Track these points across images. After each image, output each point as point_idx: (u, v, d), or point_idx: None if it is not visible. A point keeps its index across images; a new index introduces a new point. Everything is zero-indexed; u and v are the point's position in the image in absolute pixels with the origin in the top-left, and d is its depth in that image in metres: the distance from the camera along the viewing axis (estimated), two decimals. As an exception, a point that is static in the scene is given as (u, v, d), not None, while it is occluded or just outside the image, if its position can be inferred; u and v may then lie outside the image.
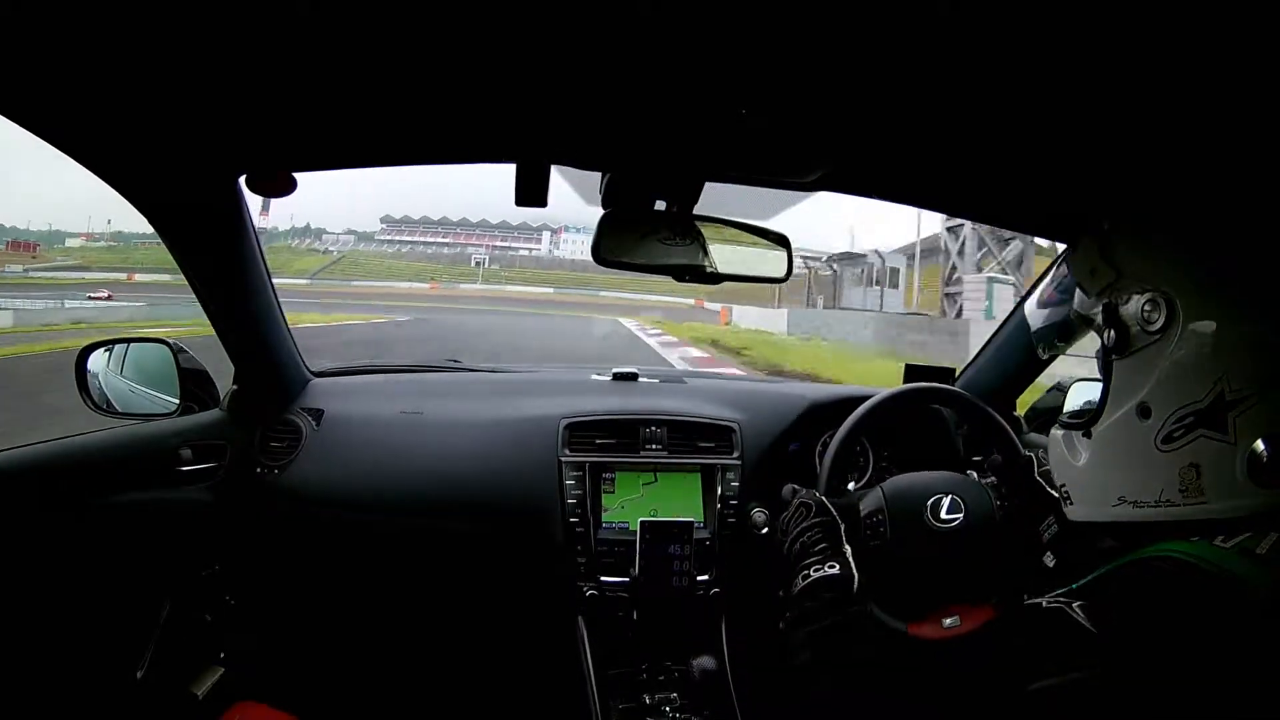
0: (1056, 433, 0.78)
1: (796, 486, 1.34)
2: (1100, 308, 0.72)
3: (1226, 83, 0.63)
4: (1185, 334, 0.65)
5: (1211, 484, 0.62)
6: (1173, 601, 0.60)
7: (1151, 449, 0.65)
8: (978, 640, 1.04)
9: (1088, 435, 0.73)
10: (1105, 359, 0.72)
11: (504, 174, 1.02)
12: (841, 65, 0.66)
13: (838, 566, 0.93)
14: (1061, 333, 0.89)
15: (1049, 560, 1.04)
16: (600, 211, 1.00)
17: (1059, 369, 1.51)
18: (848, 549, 0.98)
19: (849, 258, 22.81)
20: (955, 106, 0.74)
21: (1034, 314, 0.90)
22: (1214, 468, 0.62)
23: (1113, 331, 0.70)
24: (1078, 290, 0.77)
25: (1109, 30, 0.55)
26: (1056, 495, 0.80)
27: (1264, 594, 0.57)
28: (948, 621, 1.08)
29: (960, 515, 1.11)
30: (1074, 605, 0.64)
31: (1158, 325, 0.66)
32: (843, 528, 1.02)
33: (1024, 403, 1.62)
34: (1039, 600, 0.69)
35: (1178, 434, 0.63)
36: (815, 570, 0.94)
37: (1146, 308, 0.67)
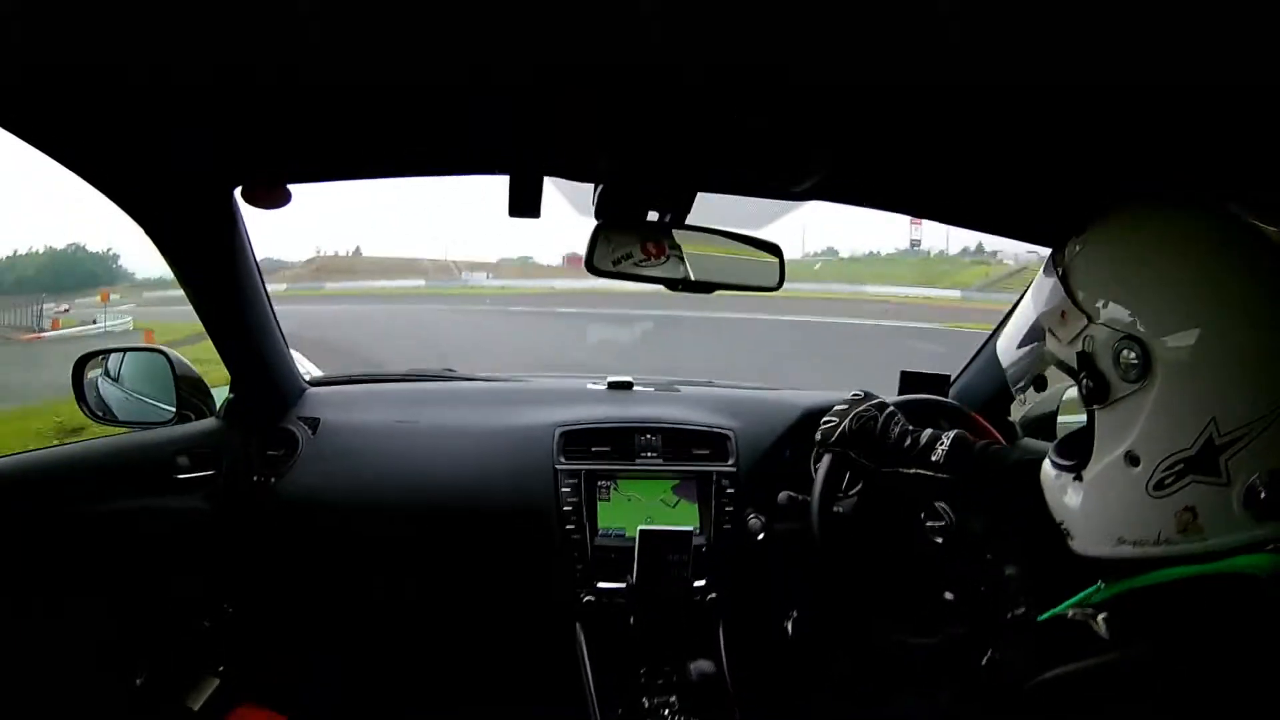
0: (1049, 470, 0.75)
1: (792, 493, 1.35)
2: (1075, 356, 0.68)
3: (1222, 93, 0.63)
4: (1166, 381, 0.62)
5: (1209, 522, 0.61)
6: (1195, 613, 0.60)
7: (1144, 495, 0.63)
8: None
9: (1079, 479, 0.70)
10: (1087, 406, 0.69)
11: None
12: (835, 71, 0.67)
13: None
14: (1037, 382, 0.82)
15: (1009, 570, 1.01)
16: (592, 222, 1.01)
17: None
18: None
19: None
20: (949, 113, 0.75)
21: (1006, 353, 0.82)
22: (1210, 507, 0.61)
23: (1090, 381, 0.66)
24: (1049, 334, 0.72)
25: (1107, 35, 0.56)
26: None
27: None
28: None
29: (949, 523, 1.11)
30: (1099, 619, 0.63)
31: (1135, 374, 0.63)
32: None
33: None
34: (1065, 610, 0.69)
35: (1169, 481, 0.62)
36: None
37: (1124, 355, 0.64)
